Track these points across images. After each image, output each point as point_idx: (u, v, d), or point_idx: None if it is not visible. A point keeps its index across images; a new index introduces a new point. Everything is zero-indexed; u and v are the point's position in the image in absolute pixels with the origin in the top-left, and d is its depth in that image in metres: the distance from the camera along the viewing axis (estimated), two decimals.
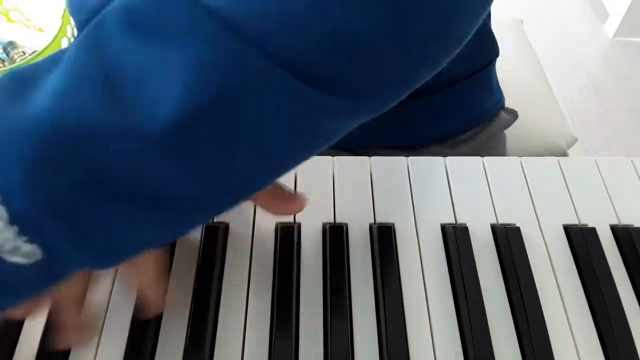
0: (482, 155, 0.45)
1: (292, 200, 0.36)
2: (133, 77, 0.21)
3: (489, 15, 0.57)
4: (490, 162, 0.44)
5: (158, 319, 0.35)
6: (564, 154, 0.81)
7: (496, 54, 0.59)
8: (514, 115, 0.64)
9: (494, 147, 0.62)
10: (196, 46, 0.21)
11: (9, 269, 0.23)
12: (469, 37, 0.27)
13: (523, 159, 0.45)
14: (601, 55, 1.80)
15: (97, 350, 0.34)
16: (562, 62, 1.78)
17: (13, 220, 0.21)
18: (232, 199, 0.27)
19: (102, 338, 0.35)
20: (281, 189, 0.36)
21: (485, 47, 0.57)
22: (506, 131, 0.67)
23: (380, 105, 0.27)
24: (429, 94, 0.55)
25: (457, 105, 0.57)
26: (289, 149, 0.26)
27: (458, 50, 0.27)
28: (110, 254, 0.26)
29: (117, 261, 0.26)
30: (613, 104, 1.66)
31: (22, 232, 0.22)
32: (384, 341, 0.34)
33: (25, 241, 0.22)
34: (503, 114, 0.62)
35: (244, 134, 0.23)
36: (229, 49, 0.21)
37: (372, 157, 0.44)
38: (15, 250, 0.22)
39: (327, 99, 0.24)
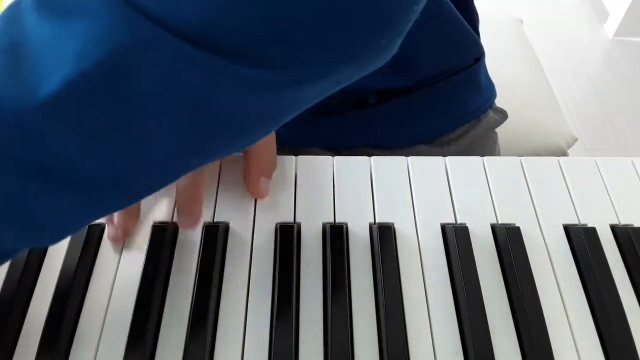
0: (471, 155, 0.45)
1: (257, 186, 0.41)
2: (32, 51, 0.22)
3: (470, 15, 0.57)
4: (490, 162, 0.45)
5: (158, 318, 0.35)
6: (564, 154, 0.82)
7: (481, 52, 0.59)
8: (502, 114, 0.64)
9: (484, 147, 0.62)
10: (90, 16, 0.22)
11: None
12: (404, 25, 0.26)
13: (523, 159, 0.45)
14: (601, 55, 1.80)
15: (97, 350, 0.34)
16: (562, 62, 1.78)
17: None
18: (143, 178, 0.27)
19: (102, 338, 0.35)
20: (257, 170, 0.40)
21: (465, 46, 0.57)
22: (506, 131, 0.66)
23: (304, 79, 0.25)
24: (411, 93, 0.55)
25: (442, 104, 0.57)
26: (198, 127, 0.25)
27: (395, 37, 0.26)
28: (30, 233, 0.26)
29: (43, 240, 0.27)
30: (613, 104, 1.66)
31: None
32: (384, 341, 0.34)
33: None
34: (491, 113, 0.62)
35: (135, 104, 0.23)
36: (118, 16, 0.21)
37: (372, 157, 0.44)
38: None
39: (231, 67, 0.23)
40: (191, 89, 0.23)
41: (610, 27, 1.86)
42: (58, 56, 0.22)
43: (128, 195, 0.28)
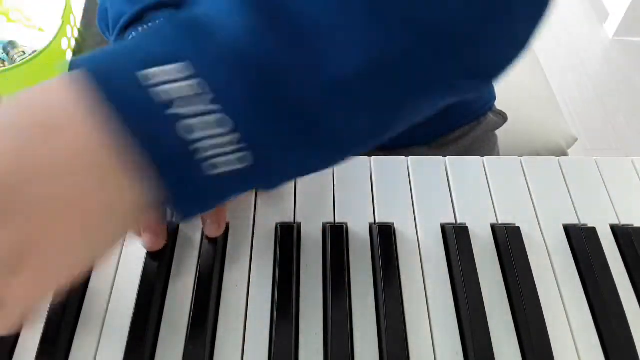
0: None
1: None
2: (322, 34, 0.26)
3: None
4: (490, 162, 0.45)
5: (158, 318, 0.35)
6: (564, 154, 0.81)
7: None
8: (502, 117, 0.64)
9: (483, 149, 0.62)
10: (372, 26, 0.26)
11: (225, 175, 0.27)
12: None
13: (523, 158, 0.45)
14: (601, 55, 1.80)
15: (97, 350, 0.34)
16: (562, 62, 1.78)
17: (236, 128, 0.26)
18: (374, 142, 0.32)
19: (102, 338, 0.35)
20: None
21: None
22: (506, 131, 0.66)
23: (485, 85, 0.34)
24: None
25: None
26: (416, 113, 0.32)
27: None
28: (281, 176, 0.30)
29: (280, 182, 0.30)
30: (613, 104, 1.66)
31: (241, 139, 0.26)
32: (384, 341, 0.34)
33: (242, 148, 0.26)
34: (491, 115, 0.62)
35: (402, 94, 0.29)
36: (395, 31, 0.26)
37: (372, 157, 0.44)
38: (234, 153, 0.26)
39: (459, 78, 0.30)
40: (431, 94, 0.30)
41: (610, 27, 1.86)
42: (340, 44, 0.26)
43: (353, 152, 0.32)
